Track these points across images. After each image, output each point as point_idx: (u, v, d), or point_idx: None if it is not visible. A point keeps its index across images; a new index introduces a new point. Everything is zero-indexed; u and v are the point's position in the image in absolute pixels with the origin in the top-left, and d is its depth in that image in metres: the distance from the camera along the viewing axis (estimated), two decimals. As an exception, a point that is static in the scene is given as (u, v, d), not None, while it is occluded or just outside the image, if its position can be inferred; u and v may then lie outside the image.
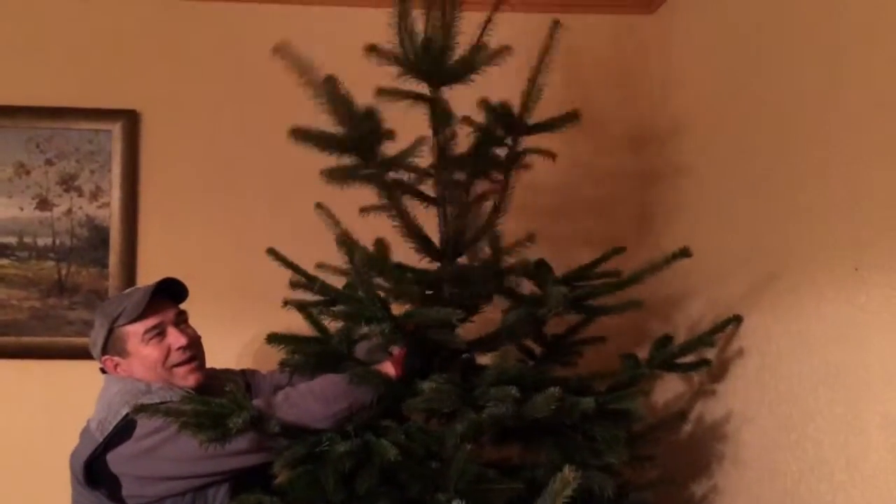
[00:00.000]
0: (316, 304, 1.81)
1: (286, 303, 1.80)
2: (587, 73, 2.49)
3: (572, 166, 2.46)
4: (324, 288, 1.80)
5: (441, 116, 1.67)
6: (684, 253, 1.72)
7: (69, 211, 2.44)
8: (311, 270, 1.86)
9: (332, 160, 1.66)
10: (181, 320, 1.80)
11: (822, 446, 1.52)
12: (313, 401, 1.60)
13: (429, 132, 1.70)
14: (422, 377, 1.62)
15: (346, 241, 1.69)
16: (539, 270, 1.87)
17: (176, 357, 1.73)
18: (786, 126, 1.71)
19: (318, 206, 1.85)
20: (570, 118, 1.72)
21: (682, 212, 2.28)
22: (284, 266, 1.84)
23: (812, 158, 1.60)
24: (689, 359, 1.86)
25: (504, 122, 1.71)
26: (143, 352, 1.71)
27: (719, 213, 2.03)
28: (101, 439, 1.59)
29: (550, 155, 1.77)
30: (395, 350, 1.73)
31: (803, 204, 1.62)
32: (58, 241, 2.43)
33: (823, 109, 1.56)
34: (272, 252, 1.84)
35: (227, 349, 1.95)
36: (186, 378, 1.75)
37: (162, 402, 1.57)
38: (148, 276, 2.34)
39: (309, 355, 1.75)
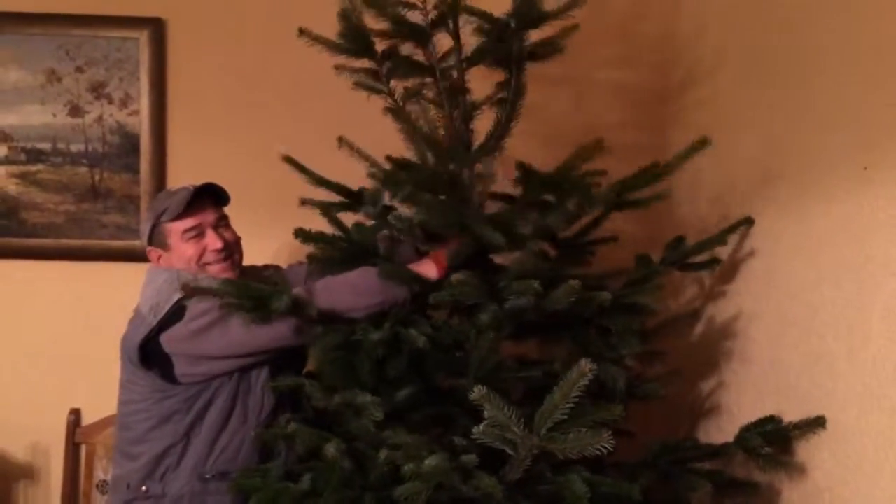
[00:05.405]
0: (335, 204, 1.84)
1: (303, 202, 1.81)
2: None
3: (587, 72, 2.49)
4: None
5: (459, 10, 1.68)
6: (703, 143, 1.74)
7: (100, 118, 2.50)
8: (335, 174, 1.86)
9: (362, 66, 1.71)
10: (221, 224, 1.88)
11: (825, 339, 1.58)
12: (350, 292, 1.67)
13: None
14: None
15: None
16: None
17: (209, 257, 1.83)
18: (797, 28, 1.73)
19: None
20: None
21: (695, 115, 2.31)
22: (300, 172, 1.83)
23: (822, 60, 1.63)
24: (700, 258, 1.90)
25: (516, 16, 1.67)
26: (181, 248, 1.81)
27: (731, 116, 2.06)
28: (154, 322, 1.69)
29: (557, 50, 1.74)
30: (434, 251, 1.75)
31: (813, 106, 1.66)
32: (90, 148, 2.51)
33: (836, 11, 1.59)
34: (289, 160, 1.84)
35: (255, 252, 2.02)
36: (219, 275, 1.83)
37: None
38: (178, 180, 2.41)
39: (335, 252, 1.80)
